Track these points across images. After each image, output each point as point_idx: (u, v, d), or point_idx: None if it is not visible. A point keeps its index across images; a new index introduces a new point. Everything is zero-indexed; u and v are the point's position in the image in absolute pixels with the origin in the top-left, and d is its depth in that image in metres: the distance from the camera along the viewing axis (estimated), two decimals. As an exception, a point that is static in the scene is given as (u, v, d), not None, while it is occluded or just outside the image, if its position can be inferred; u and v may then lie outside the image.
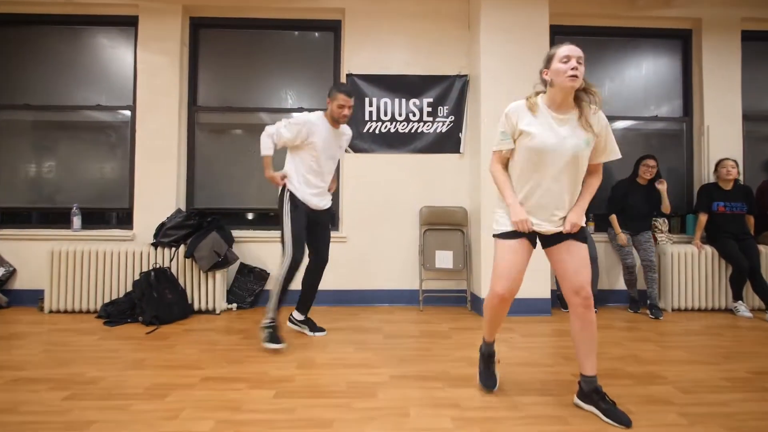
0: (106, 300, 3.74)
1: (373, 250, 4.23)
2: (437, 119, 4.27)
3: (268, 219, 4.39)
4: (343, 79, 4.26)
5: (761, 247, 4.03)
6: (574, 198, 2.01)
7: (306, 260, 3.02)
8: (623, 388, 2.22)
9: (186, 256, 3.72)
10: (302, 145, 2.91)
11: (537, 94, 2.05)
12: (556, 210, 1.98)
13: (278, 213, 2.98)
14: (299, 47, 4.47)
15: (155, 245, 3.83)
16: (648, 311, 3.87)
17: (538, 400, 2.10)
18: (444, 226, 4.20)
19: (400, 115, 4.26)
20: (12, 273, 4.02)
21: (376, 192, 4.23)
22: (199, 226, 3.87)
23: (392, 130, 4.25)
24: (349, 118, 3.01)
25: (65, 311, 3.75)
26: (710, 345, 3.02)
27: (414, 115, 4.26)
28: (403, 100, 4.27)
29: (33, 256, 3.99)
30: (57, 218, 4.22)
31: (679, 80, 4.62)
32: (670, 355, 2.78)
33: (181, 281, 3.76)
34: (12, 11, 4.22)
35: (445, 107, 4.27)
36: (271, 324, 2.85)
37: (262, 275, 4.09)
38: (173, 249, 3.79)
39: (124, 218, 4.27)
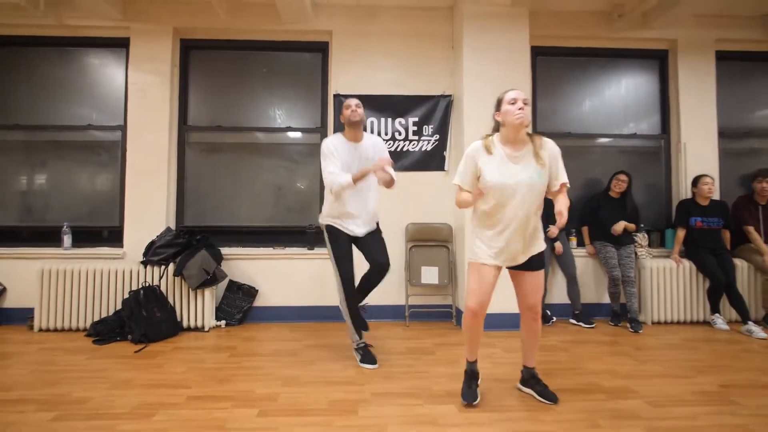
0: (96, 318, 3.78)
1: (360, 266, 4.29)
2: (422, 138, 4.38)
3: (256, 236, 4.45)
4: (331, 99, 4.37)
5: (737, 261, 4.15)
6: (538, 225, 2.27)
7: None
8: (596, 403, 2.31)
9: (175, 275, 3.78)
10: None
11: (491, 135, 2.29)
12: (524, 241, 2.22)
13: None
14: (288, 68, 4.58)
15: (145, 263, 3.88)
16: (628, 325, 3.96)
17: (515, 416, 2.19)
18: (429, 242, 4.29)
19: (386, 134, 4.36)
20: (2, 292, 4.05)
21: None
22: (189, 245, 3.93)
23: (378, 149, 4.34)
24: (361, 116, 2.97)
25: (55, 329, 3.79)
26: (685, 359, 3.12)
27: (400, 134, 4.37)
28: (390, 119, 4.38)
29: (23, 274, 4.02)
30: (47, 237, 4.26)
31: (657, 99, 4.77)
32: (644, 369, 2.87)
33: (170, 299, 3.81)
34: (5, 33, 4.30)
35: (430, 126, 4.38)
36: (360, 345, 3.02)
37: (251, 292, 4.15)
38: (163, 267, 3.85)
39: (114, 237, 4.32)
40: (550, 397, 2.33)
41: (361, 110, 2.99)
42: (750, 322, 3.80)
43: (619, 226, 4.07)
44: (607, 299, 4.30)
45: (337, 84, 4.38)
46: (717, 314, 4.03)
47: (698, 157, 4.53)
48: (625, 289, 4.09)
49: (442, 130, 4.38)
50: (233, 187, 4.44)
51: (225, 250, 4.17)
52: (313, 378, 2.71)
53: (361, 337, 3.04)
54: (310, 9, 4.18)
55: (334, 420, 2.13)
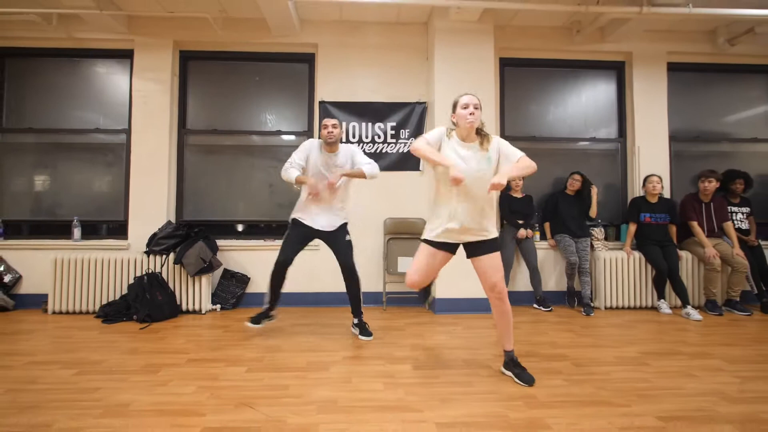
0: (104, 302, 4.21)
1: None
2: (399, 141, 4.83)
3: (249, 229, 4.91)
4: (316, 106, 4.82)
5: (683, 253, 4.62)
6: (487, 212, 2.54)
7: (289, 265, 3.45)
8: (531, 364, 2.73)
9: (175, 263, 4.22)
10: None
11: (451, 130, 2.61)
12: (474, 222, 2.51)
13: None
14: (278, 77, 5.04)
15: (148, 253, 4.32)
16: (582, 309, 4.42)
17: (457, 371, 2.64)
18: (406, 235, 4.74)
19: (366, 137, 4.82)
20: (18, 279, 4.49)
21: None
22: (187, 236, 4.38)
23: (360, 151, 4.80)
24: (337, 136, 3.34)
25: (67, 312, 4.22)
26: (620, 334, 3.58)
27: (379, 137, 4.83)
28: (370, 124, 4.83)
29: (37, 263, 4.46)
30: (59, 230, 4.70)
31: (615, 106, 5.24)
32: (580, 341, 3.34)
33: (170, 285, 4.25)
34: (19, 45, 4.74)
35: (406, 130, 4.84)
36: (265, 308, 3.48)
37: (244, 279, 4.60)
38: (164, 256, 4.28)
39: (119, 230, 4.76)
40: (527, 379, 2.45)
41: (337, 131, 3.34)
42: (689, 306, 4.25)
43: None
44: (565, 286, 4.77)
45: (323, 91, 4.84)
46: (662, 300, 4.49)
47: (651, 159, 5.00)
48: (580, 277, 4.55)
49: (418, 133, 4.83)
50: (228, 184, 4.89)
51: (220, 242, 4.61)
52: (294, 347, 3.16)
53: (271, 308, 3.48)
54: (297, 24, 4.63)
55: (308, 374, 2.58)
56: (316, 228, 3.41)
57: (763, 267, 4.60)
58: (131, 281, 4.17)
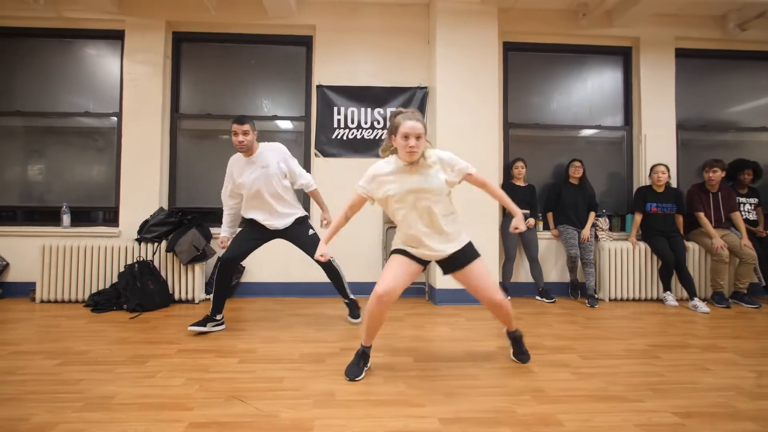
0: (94, 291, 4.08)
1: (340, 247, 4.58)
2: (400, 127, 4.68)
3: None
4: (314, 90, 4.67)
5: (689, 244, 4.50)
6: (449, 225, 2.32)
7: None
8: (536, 356, 2.64)
9: (167, 251, 4.09)
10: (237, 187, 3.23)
11: (391, 152, 2.35)
12: (432, 236, 2.30)
13: None
14: (274, 60, 4.87)
15: (139, 241, 4.18)
16: (586, 301, 4.31)
17: (460, 364, 2.52)
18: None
19: (365, 123, 4.67)
20: (5, 267, 4.34)
21: (343, 194, 4.56)
22: (180, 224, 4.24)
23: (358, 137, 4.66)
24: (248, 144, 3.08)
25: (55, 301, 4.09)
26: (626, 326, 3.47)
27: (378, 123, 4.68)
28: (369, 109, 4.68)
29: (25, 251, 4.32)
30: (48, 216, 4.55)
31: (621, 93, 5.09)
32: (586, 333, 3.22)
33: (162, 273, 4.12)
34: (7, 24, 4.56)
35: (407, 116, 4.68)
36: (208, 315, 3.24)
37: (238, 268, 4.46)
38: (155, 244, 4.15)
39: (110, 216, 4.62)
40: (522, 358, 2.52)
41: (248, 137, 3.05)
42: (696, 299, 4.14)
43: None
44: (566, 278, 4.67)
45: (321, 75, 4.68)
46: (668, 292, 4.37)
47: (658, 148, 4.86)
48: (584, 269, 4.43)
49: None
50: (222, 171, 4.68)
51: (214, 230, 4.44)
52: (289, 338, 3.04)
53: (216, 310, 3.20)
54: (295, 5, 4.46)
55: (304, 366, 2.45)
56: (269, 227, 3.24)
57: (771, 258, 4.49)
58: (122, 269, 4.03)
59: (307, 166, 4.60)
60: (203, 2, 4.41)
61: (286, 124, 4.85)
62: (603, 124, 5.06)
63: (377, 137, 4.67)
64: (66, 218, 4.43)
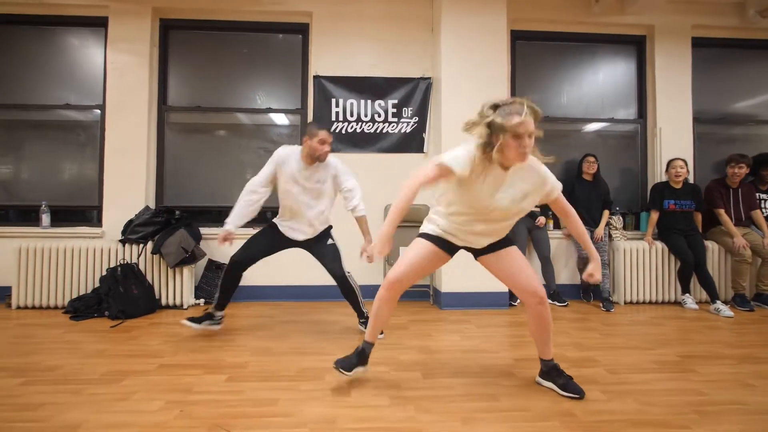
0: (74, 296, 3.79)
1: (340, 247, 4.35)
2: (402, 120, 4.41)
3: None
4: (311, 81, 4.38)
5: (708, 243, 4.25)
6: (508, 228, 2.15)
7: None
8: (557, 371, 2.37)
9: (153, 252, 3.80)
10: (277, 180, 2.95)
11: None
12: (491, 236, 2.12)
13: None
14: (268, 49, 4.58)
15: (123, 242, 3.89)
16: (600, 304, 4.05)
17: (476, 381, 2.25)
18: (408, 223, 4.31)
19: (365, 115, 4.39)
20: (-21, 270, 4.05)
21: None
22: (167, 223, 3.95)
23: (358, 131, 4.38)
24: (327, 154, 2.90)
25: (33, 307, 3.80)
26: (649, 333, 3.21)
27: (379, 115, 4.40)
28: (369, 101, 4.40)
29: (0, 253, 4.02)
30: (25, 216, 4.27)
31: (634, 84, 4.83)
32: (608, 342, 2.95)
33: (148, 277, 3.83)
34: (-19, 11, 4.27)
35: (409, 108, 4.42)
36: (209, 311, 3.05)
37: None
38: (141, 245, 3.86)
39: (93, 216, 4.32)
40: (575, 389, 2.04)
41: (328, 147, 2.86)
42: (718, 302, 3.89)
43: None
44: (578, 280, 4.41)
45: (318, 65, 4.40)
46: (687, 294, 4.12)
47: (673, 142, 4.61)
48: (597, 270, 4.17)
49: (422, 112, 4.42)
50: (213, 167, 4.46)
51: (204, 230, 4.18)
52: (284, 349, 2.76)
53: (216, 310, 3.05)
54: (290, -11, 4.18)
55: (300, 384, 2.18)
56: (291, 238, 3.02)
57: (795, 259, 4.23)
58: (105, 273, 3.74)
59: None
60: (192, -14, 4.13)
61: (281, 118, 4.56)
62: (615, 117, 4.80)
63: (378, 131, 4.39)
64: (45, 218, 4.13)
